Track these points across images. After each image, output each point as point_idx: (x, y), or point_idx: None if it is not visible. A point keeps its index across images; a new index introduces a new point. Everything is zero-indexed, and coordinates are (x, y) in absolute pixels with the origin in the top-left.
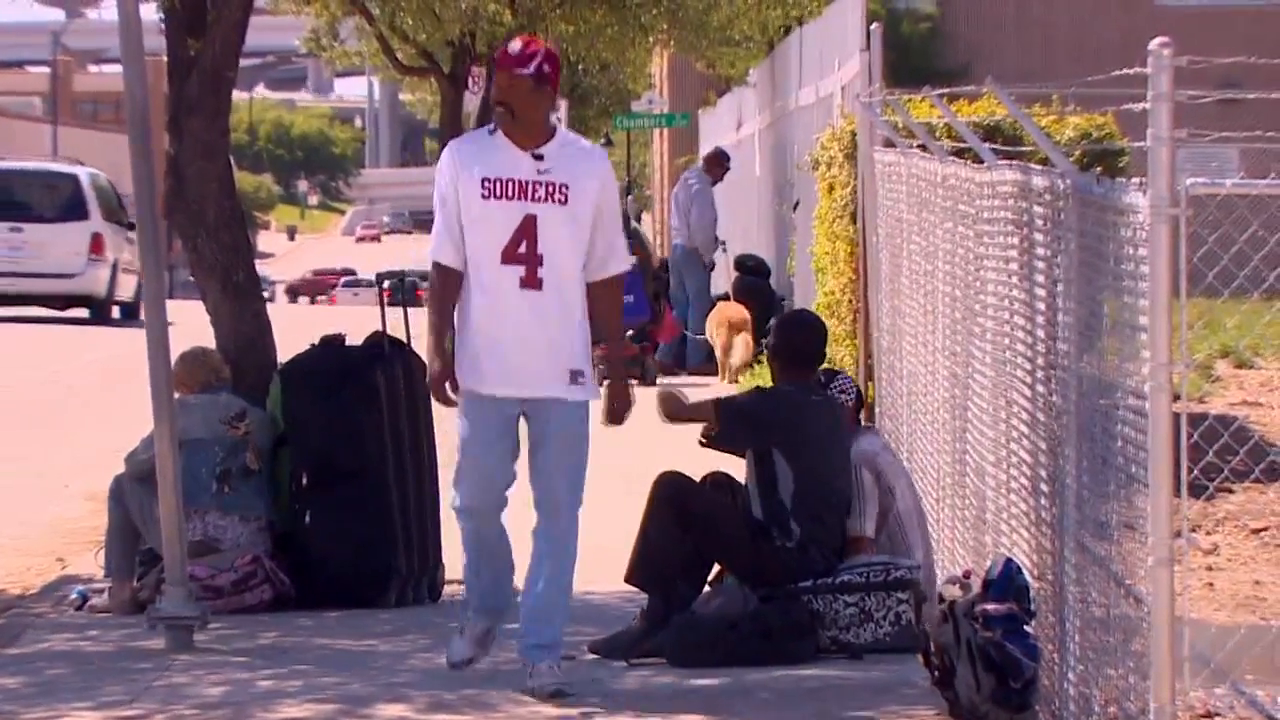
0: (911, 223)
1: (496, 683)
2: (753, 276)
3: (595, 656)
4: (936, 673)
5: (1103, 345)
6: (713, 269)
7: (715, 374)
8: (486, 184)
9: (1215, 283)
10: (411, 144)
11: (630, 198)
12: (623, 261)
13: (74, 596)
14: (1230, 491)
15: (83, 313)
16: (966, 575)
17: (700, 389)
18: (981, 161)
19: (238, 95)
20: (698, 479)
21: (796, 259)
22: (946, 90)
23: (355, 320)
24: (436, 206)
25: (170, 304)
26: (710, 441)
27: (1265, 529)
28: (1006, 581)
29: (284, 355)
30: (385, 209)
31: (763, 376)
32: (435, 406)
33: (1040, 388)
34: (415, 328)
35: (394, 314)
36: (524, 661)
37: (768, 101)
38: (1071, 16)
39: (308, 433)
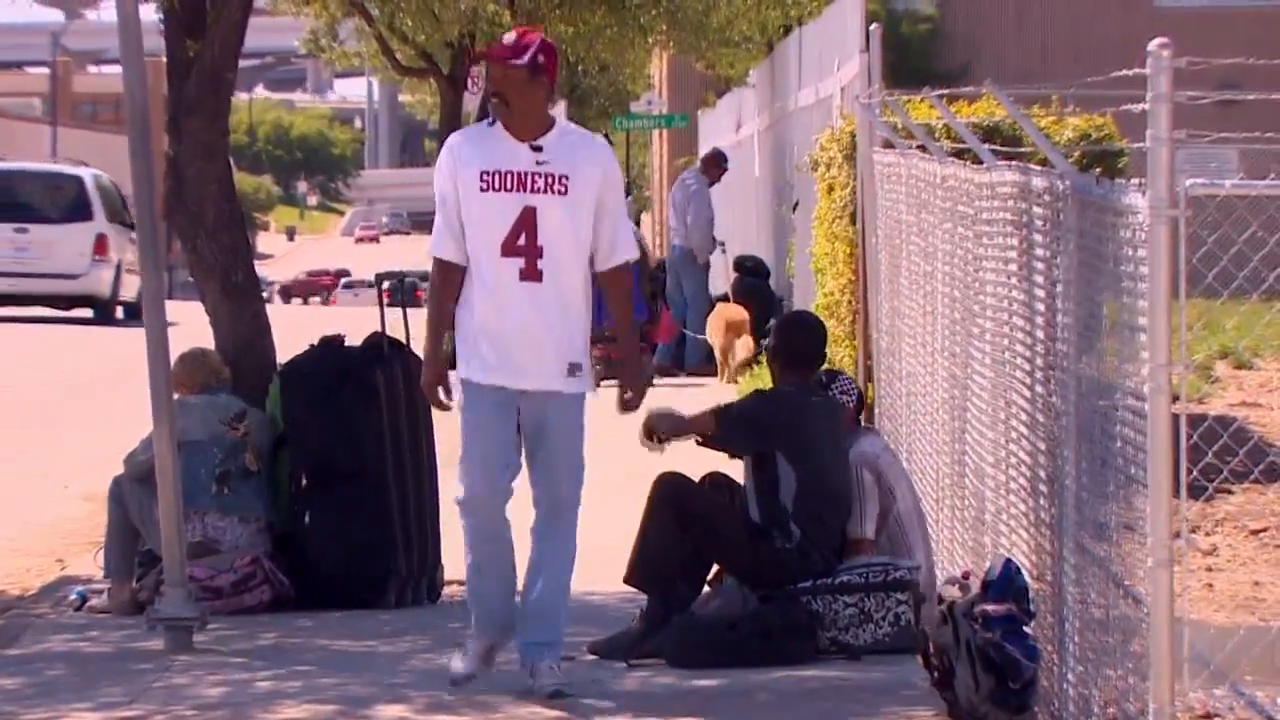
0: (911, 224)
1: (496, 683)
2: (752, 277)
3: (595, 657)
4: (936, 673)
5: (1102, 346)
6: (708, 269)
7: (714, 374)
8: (485, 177)
9: (1214, 284)
10: (411, 145)
11: (629, 199)
12: (629, 249)
13: (73, 597)
14: (1229, 492)
15: (87, 313)
16: (965, 576)
17: (699, 389)
18: (981, 162)
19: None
20: (697, 479)
21: (796, 260)
22: (946, 91)
23: (355, 321)
24: (437, 203)
25: (172, 305)
26: (709, 442)
27: (1264, 530)
28: (1006, 582)
29: (283, 356)
30: (384, 210)
31: (762, 377)
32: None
33: (1039, 389)
34: (415, 328)
35: (393, 314)
36: (523, 661)
37: (767, 102)
38: (1071, 18)
39: (307, 433)
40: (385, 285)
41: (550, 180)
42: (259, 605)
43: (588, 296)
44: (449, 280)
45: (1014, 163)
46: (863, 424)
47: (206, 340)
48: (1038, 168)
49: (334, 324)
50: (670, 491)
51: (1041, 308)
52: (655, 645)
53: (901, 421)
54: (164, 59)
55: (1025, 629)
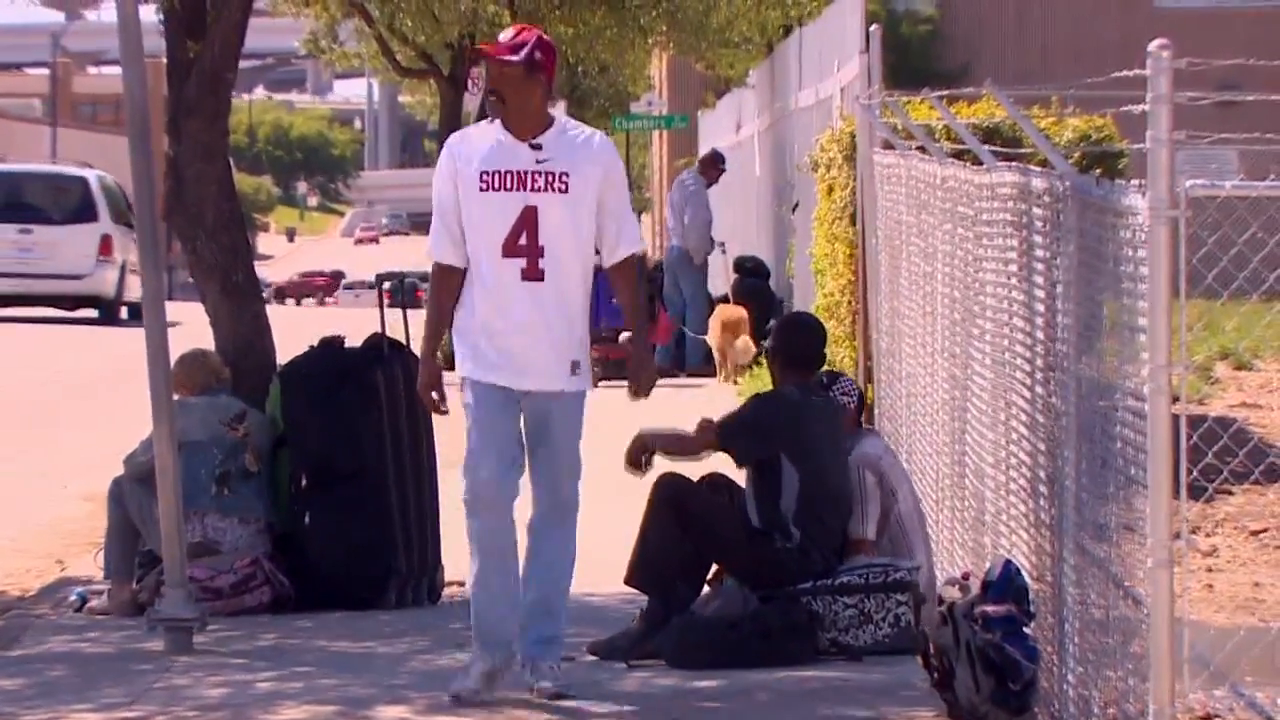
0: (911, 224)
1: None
2: (752, 278)
3: (595, 658)
4: (936, 674)
5: (1102, 347)
6: (705, 269)
7: (714, 375)
8: (485, 177)
9: (1214, 284)
10: (411, 145)
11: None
12: (634, 242)
13: (73, 598)
14: (1229, 493)
15: (92, 313)
16: (965, 577)
17: (698, 390)
18: (981, 163)
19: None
20: (696, 480)
21: (796, 261)
22: (946, 92)
23: (354, 322)
24: (434, 204)
25: (174, 305)
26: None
27: (1264, 531)
28: (1006, 583)
29: (283, 357)
30: (384, 210)
31: (762, 378)
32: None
33: (1039, 389)
34: (414, 329)
35: (394, 315)
36: (524, 659)
37: (767, 103)
38: (1070, 18)
39: (307, 434)
40: (385, 286)
41: (550, 178)
42: (259, 606)
43: (587, 293)
44: (447, 283)
45: (1014, 164)
46: (864, 425)
47: (208, 341)
48: (1038, 169)
49: (333, 325)
50: (670, 492)
51: (1041, 308)
52: (655, 646)
53: (901, 422)
54: (164, 60)
55: (1025, 630)
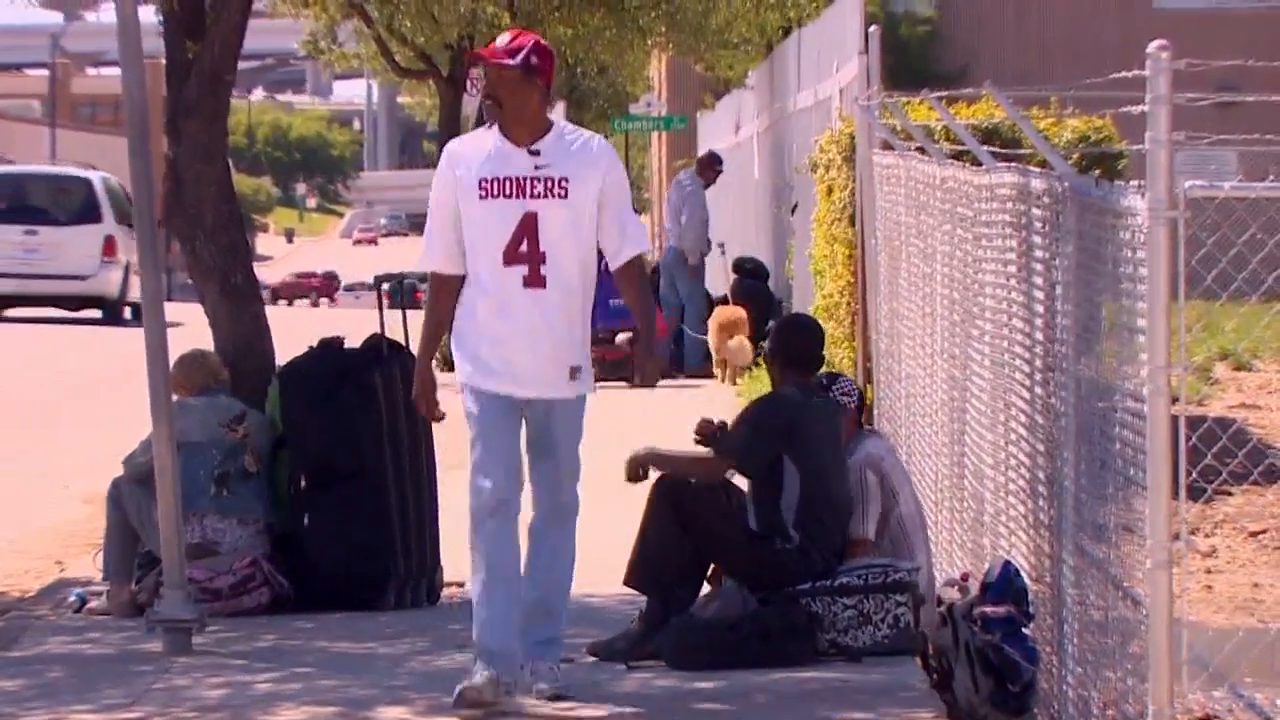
0: (910, 225)
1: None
2: (751, 279)
3: (594, 659)
4: (935, 675)
5: (1101, 348)
6: (701, 269)
7: (713, 375)
8: (484, 184)
9: (1213, 285)
10: (410, 146)
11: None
12: (637, 244)
13: (72, 599)
14: (1229, 494)
15: (96, 314)
16: (964, 578)
17: (697, 390)
18: (980, 164)
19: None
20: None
21: (795, 262)
22: (945, 93)
23: (354, 322)
24: (430, 210)
25: (177, 306)
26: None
27: (1264, 531)
28: (1005, 584)
29: (283, 358)
30: (384, 211)
31: (761, 379)
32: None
33: (1039, 390)
34: (414, 330)
35: (393, 316)
36: (524, 661)
37: (766, 104)
38: (1069, 19)
39: (306, 435)
40: (384, 287)
41: (550, 184)
42: (258, 607)
43: (589, 298)
44: (444, 291)
45: (1013, 165)
46: (866, 427)
47: (209, 342)
48: (1037, 169)
49: (332, 325)
50: (670, 493)
51: (1040, 309)
52: (655, 647)
53: (901, 423)
54: (163, 61)
55: (1024, 631)
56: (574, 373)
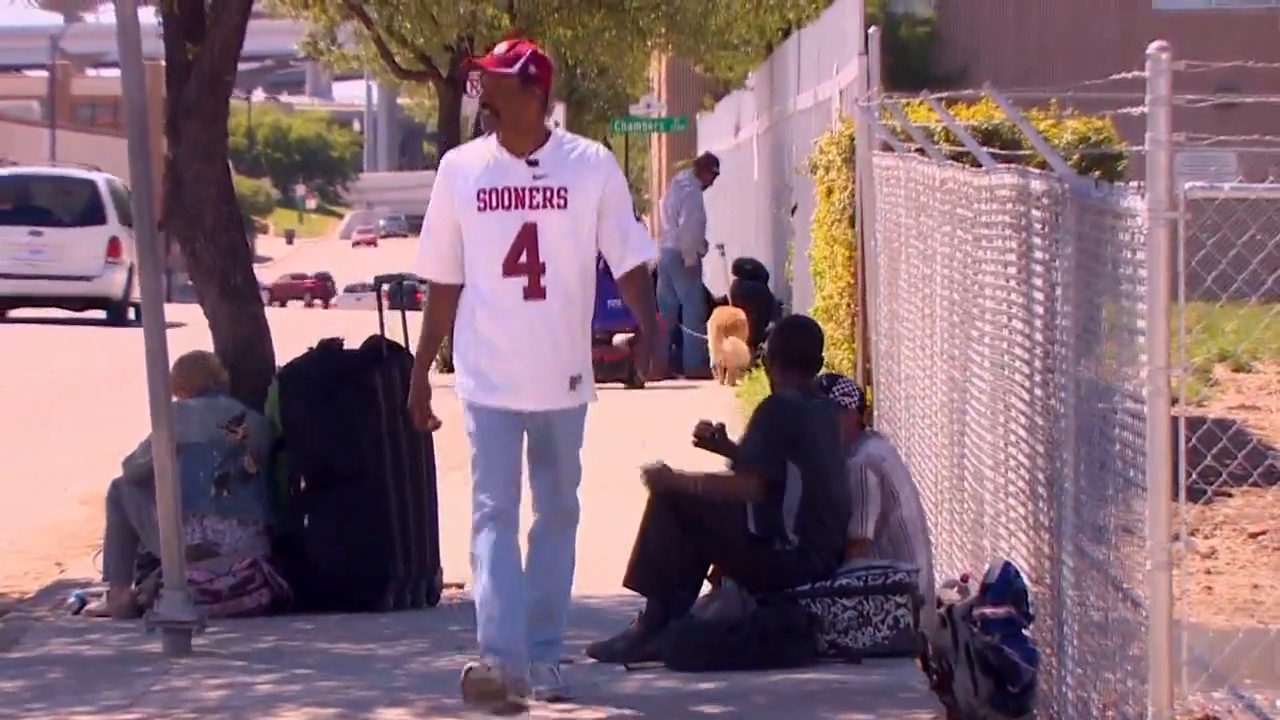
0: (910, 227)
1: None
2: (751, 280)
3: (594, 660)
4: (935, 676)
5: (1101, 349)
6: (698, 270)
7: (712, 376)
8: (482, 195)
9: (1213, 286)
10: (410, 147)
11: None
12: (640, 251)
13: (72, 600)
14: (1228, 495)
15: (100, 314)
16: (964, 579)
17: (694, 391)
18: (979, 165)
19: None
20: None
21: (795, 263)
22: (944, 94)
23: (354, 324)
24: (426, 220)
25: (179, 307)
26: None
27: (1263, 533)
28: (1005, 585)
29: (282, 359)
30: (384, 213)
31: (760, 381)
32: (436, 410)
33: (1038, 391)
34: (413, 331)
35: (393, 317)
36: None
37: (766, 105)
38: (1069, 20)
39: (306, 436)
40: (384, 288)
41: (549, 194)
42: (258, 608)
43: (589, 307)
44: (440, 299)
45: (1013, 166)
46: (868, 428)
47: (210, 343)
48: (1036, 171)
49: (332, 327)
50: (670, 494)
51: (1040, 310)
52: (654, 648)
53: (900, 424)
54: (163, 62)
55: (1024, 632)
56: (574, 383)
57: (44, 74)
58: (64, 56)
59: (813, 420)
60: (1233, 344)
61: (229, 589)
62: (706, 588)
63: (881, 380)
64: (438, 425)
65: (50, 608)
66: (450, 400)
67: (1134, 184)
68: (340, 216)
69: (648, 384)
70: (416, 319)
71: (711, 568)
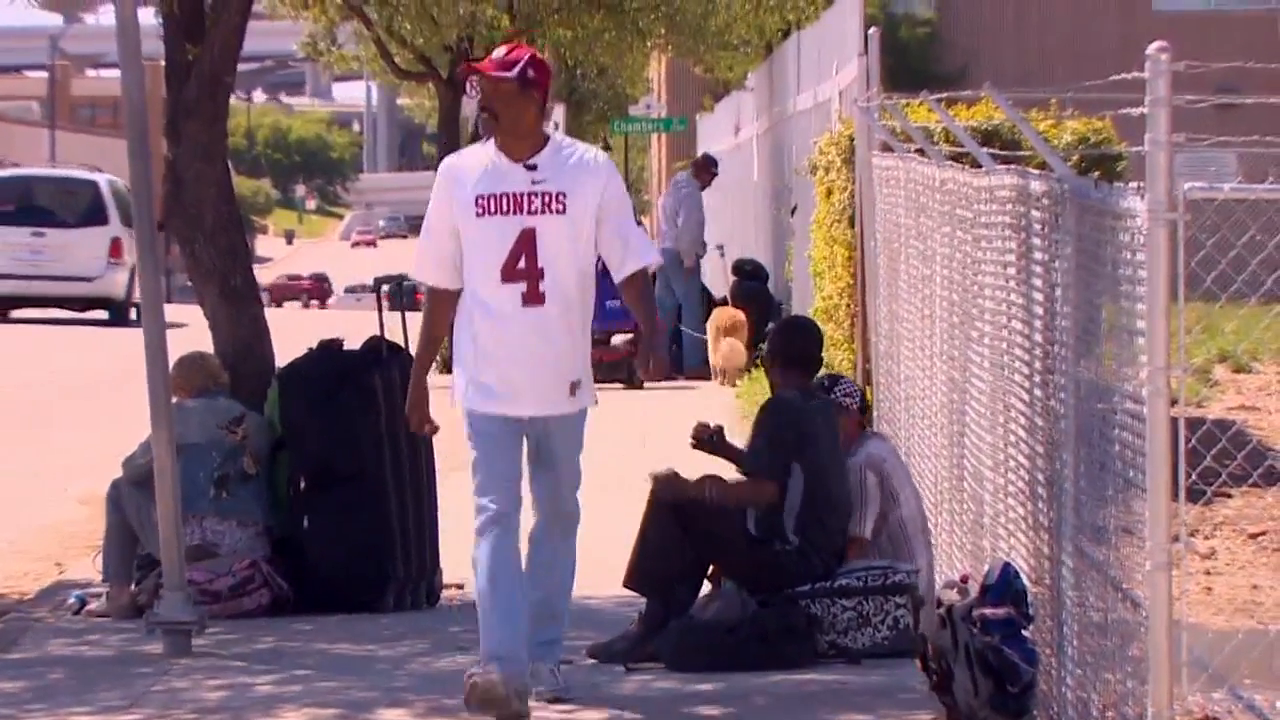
0: (909, 227)
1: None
2: (751, 281)
3: (593, 661)
4: (934, 677)
5: (1100, 350)
6: (696, 269)
7: (710, 377)
8: (480, 201)
9: (1213, 287)
10: (409, 148)
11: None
12: (641, 256)
13: (72, 601)
14: (1228, 496)
15: (102, 315)
16: (964, 579)
17: (693, 392)
18: (979, 166)
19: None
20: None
21: (794, 263)
22: (944, 95)
23: (353, 325)
24: (425, 225)
25: (180, 308)
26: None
27: (1263, 533)
28: (1004, 585)
29: (282, 360)
30: (384, 213)
31: (760, 382)
32: (433, 411)
33: (1038, 392)
34: (413, 332)
35: (393, 318)
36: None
37: (766, 106)
38: (1069, 21)
39: (305, 437)
40: (384, 289)
41: (548, 199)
42: (258, 609)
43: (589, 312)
44: (438, 305)
45: (1012, 166)
46: (869, 429)
47: (210, 343)
48: (1036, 171)
49: (331, 327)
50: (656, 487)
51: (1040, 311)
52: (654, 649)
53: (900, 425)
54: (163, 62)
55: (1024, 633)
56: (574, 388)
57: (44, 74)
58: (64, 57)
59: (814, 421)
60: (1232, 344)
61: (229, 590)
62: (706, 588)
63: (881, 381)
64: (435, 430)
65: (50, 608)
66: (449, 401)
67: (1134, 185)
68: (340, 217)
69: (647, 384)
70: (416, 320)
71: (711, 568)
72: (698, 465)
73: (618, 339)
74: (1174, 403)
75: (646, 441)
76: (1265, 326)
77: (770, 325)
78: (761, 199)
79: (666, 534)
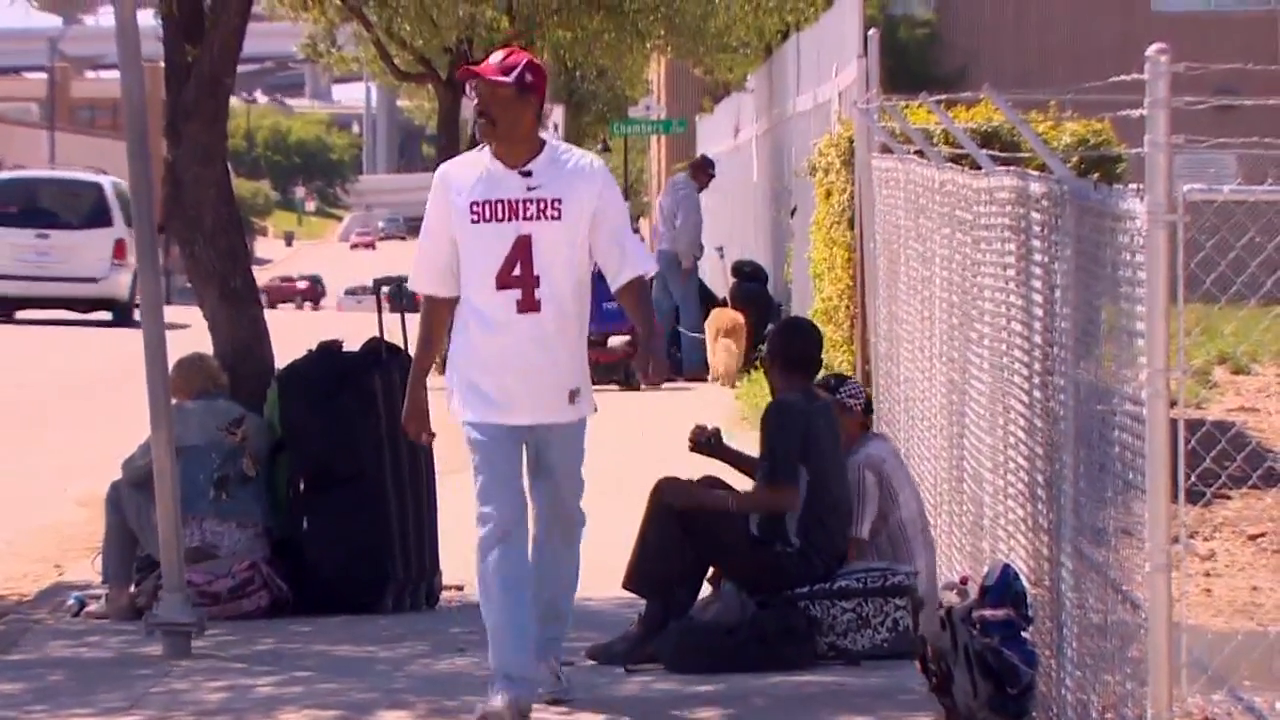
0: (909, 229)
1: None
2: (750, 283)
3: (593, 662)
4: (934, 679)
5: (1100, 351)
6: (694, 271)
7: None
8: (475, 208)
9: (1212, 289)
10: (409, 150)
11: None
12: (638, 264)
13: (71, 602)
14: (1227, 498)
15: (106, 316)
16: (964, 581)
17: (691, 393)
18: (979, 167)
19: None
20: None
21: (794, 265)
22: (944, 96)
23: (353, 326)
24: (422, 233)
25: (181, 309)
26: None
27: (1262, 535)
28: (1004, 587)
29: (281, 361)
30: (383, 215)
31: (760, 383)
32: (432, 412)
33: (1037, 393)
34: (413, 333)
35: (392, 320)
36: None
37: (765, 107)
38: (1068, 22)
39: (305, 438)
40: (384, 290)
41: (543, 205)
42: (257, 610)
43: (585, 319)
44: (434, 313)
45: (1012, 168)
46: (872, 430)
47: (210, 345)
48: (1036, 173)
49: (330, 329)
50: (671, 496)
51: (1039, 313)
52: (654, 650)
53: (900, 426)
54: (162, 64)
55: (1023, 634)
56: (572, 396)
57: (43, 76)
58: (63, 59)
59: (817, 423)
60: (1232, 346)
61: (228, 591)
62: (706, 590)
63: (881, 382)
64: (433, 439)
65: (49, 610)
66: (446, 409)
67: (1133, 186)
68: (339, 219)
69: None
70: (416, 321)
71: (711, 570)
72: (698, 466)
73: (615, 340)
74: (1173, 404)
75: (645, 442)
76: (1265, 328)
77: (770, 327)
78: (761, 201)
79: (666, 536)
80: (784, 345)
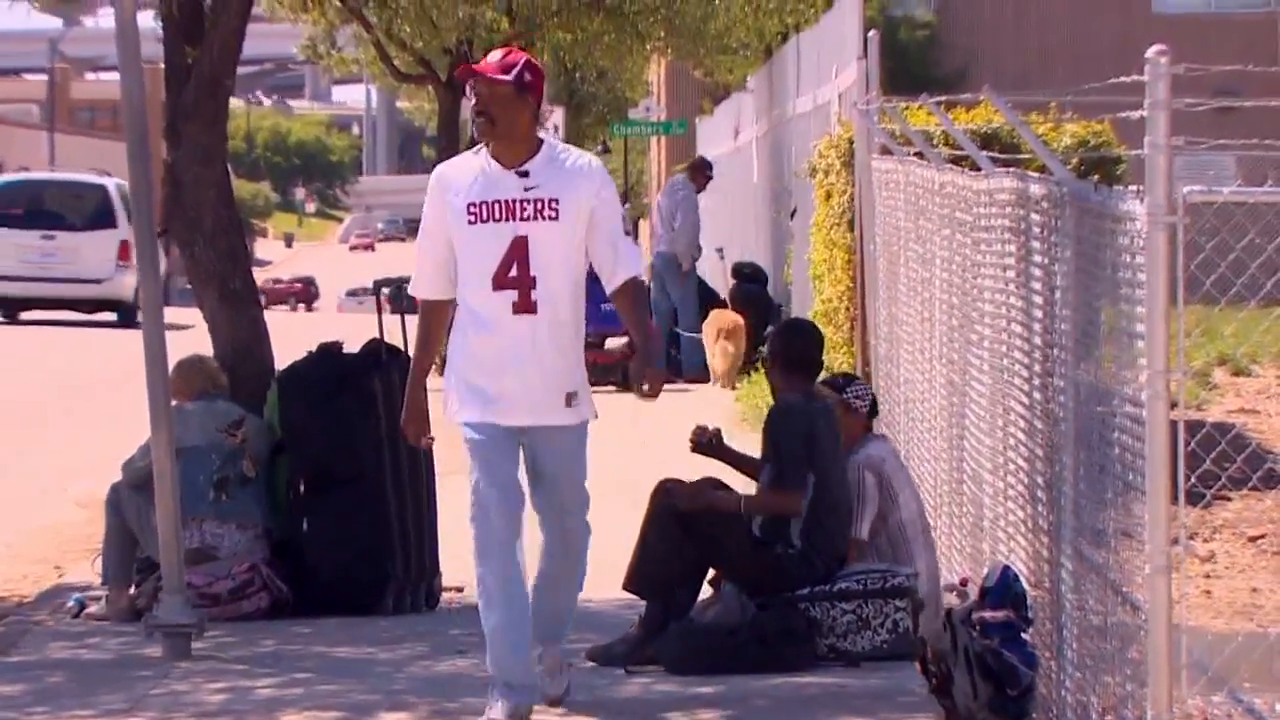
0: (909, 230)
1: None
2: (750, 284)
3: (593, 664)
4: (934, 680)
5: (1100, 353)
6: (693, 272)
7: (708, 379)
8: (472, 209)
9: (1212, 290)
10: (409, 151)
11: (627, 206)
12: (631, 267)
13: (71, 604)
14: (1227, 499)
15: (111, 316)
16: (964, 583)
17: (690, 394)
18: (979, 169)
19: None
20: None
21: (794, 266)
22: (943, 97)
23: (352, 327)
24: (420, 236)
25: (181, 310)
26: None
27: (1262, 536)
28: (1004, 589)
29: (281, 362)
30: (383, 216)
31: (760, 383)
32: (432, 413)
33: (1037, 395)
34: (412, 334)
35: (392, 321)
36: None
37: (765, 109)
38: (1068, 23)
39: (305, 440)
40: (384, 292)
41: (540, 205)
42: (257, 612)
43: (581, 321)
44: (432, 316)
45: (1012, 169)
46: (873, 430)
47: (210, 346)
48: (1036, 174)
49: (330, 330)
50: (671, 498)
51: (1039, 314)
52: (654, 652)
53: (900, 428)
54: (162, 65)
55: (1023, 636)
56: (569, 399)
57: (43, 77)
58: (63, 60)
59: (818, 424)
60: (1232, 348)
61: (228, 592)
62: (706, 591)
63: (881, 384)
64: (432, 442)
65: (49, 611)
66: (444, 411)
67: (1133, 188)
68: (340, 220)
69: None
70: (415, 322)
71: (711, 571)
72: (697, 467)
73: (612, 342)
74: (1173, 406)
75: (645, 443)
76: (1264, 330)
77: (770, 328)
78: (761, 202)
79: (666, 537)
80: (785, 346)
